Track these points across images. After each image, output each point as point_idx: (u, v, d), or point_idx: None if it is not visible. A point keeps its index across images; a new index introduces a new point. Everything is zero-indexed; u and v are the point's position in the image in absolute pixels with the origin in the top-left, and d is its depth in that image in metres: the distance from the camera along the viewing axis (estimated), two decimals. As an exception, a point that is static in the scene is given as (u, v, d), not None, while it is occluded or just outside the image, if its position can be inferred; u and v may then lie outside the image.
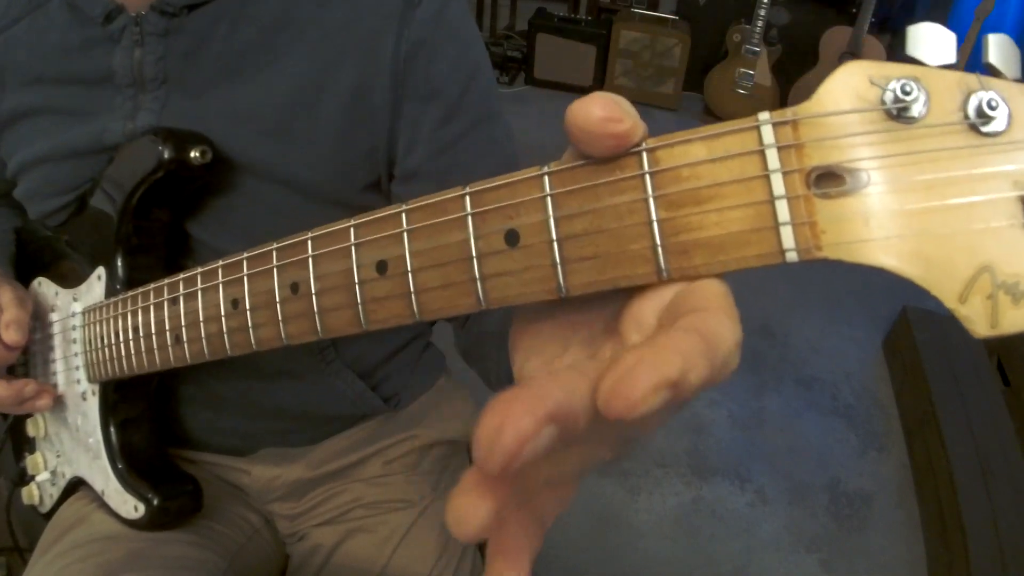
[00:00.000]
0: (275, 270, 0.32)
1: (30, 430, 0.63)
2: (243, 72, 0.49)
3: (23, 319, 0.52)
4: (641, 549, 1.33)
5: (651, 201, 0.21)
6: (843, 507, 1.43)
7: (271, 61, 0.49)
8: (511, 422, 0.16)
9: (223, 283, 0.35)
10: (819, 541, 1.37)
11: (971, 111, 0.19)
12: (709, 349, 0.18)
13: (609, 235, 0.22)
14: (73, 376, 0.55)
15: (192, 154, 0.46)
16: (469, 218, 0.24)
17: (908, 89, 0.19)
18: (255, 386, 0.59)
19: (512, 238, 0.24)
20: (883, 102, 0.20)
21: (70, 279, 0.56)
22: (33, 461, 0.63)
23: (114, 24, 0.49)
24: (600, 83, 2.88)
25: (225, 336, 0.36)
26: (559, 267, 0.23)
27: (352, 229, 0.28)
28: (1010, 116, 0.19)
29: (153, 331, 0.42)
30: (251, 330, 0.34)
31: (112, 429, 0.53)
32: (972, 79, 0.20)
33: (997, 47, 0.21)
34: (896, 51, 2.64)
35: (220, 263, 0.36)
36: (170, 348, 0.41)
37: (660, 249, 0.21)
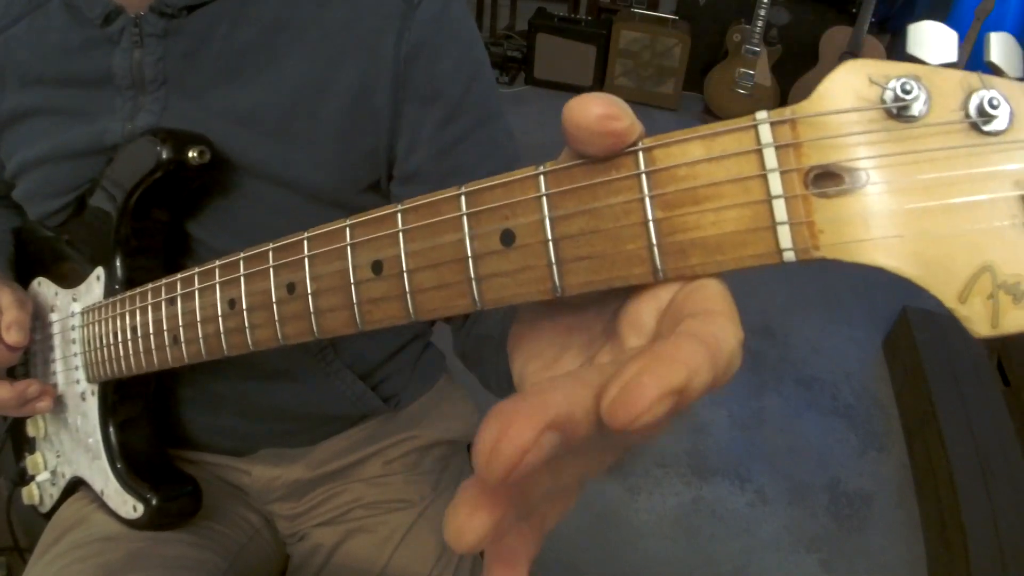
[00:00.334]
0: (271, 270, 0.32)
1: (30, 430, 0.63)
2: (243, 73, 0.49)
3: (24, 320, 0.52)
4: (641, 549, 1.33)
5: (647, 201, 0.21)
6: (843, 507, 1.43)
7: (271, 62, 0.49)
8: (512, 432, 0.16)
9: (220, 283, 0.35)
10: (819, 541, 1.36)
11: (972, 110, 0.19)
12: (712, 355, 0.18)
13: (605, 235, 0.22)
14: (72, 376, 0.55)
15: (190, 154, 0.46)
16: (464, 218, 0.24)
17: (908, 88, 0.19)
18: (255, 387, 0.59)
19: (508, 238, 0.23)
20: (883, 101, 0.19)
21: (70, 279, 0.56)
22: (33, 461, 0.63)
23: (113, 25, 0.49)
24: (600, 83, 2.88)
25: (222, 337, 0.36)
26: (555, 267, 0.23)
27: (348, 229, 0.28)
28: (1012, 115, 0.19)
29: (151, 331, 0.42)
30: (248, 331, 0.34)
31: (111, 429, 0.53)
32: (973, 77, 0.19)
33: (999, 45, 0.21)
34: (896, 51, 2.64)
35: (217, 263, 0.36)
36: (168, 348, 0.41)
37: (656, 249, 0.21)
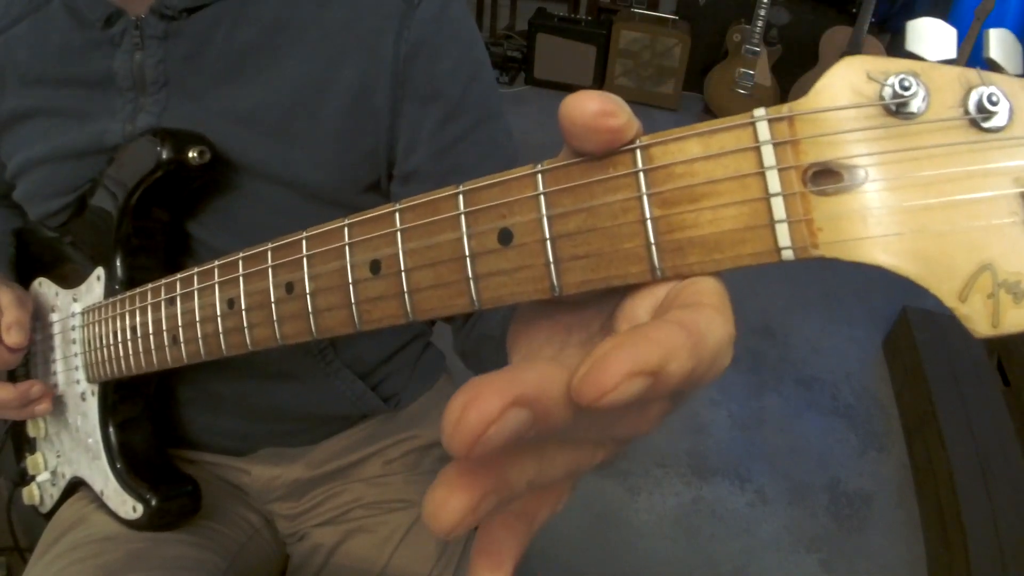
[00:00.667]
0: (270, 270, 0.32)
1: (30, 430, 0.63)
2: (243, 73, 0.49)
3: (24, 320, 0.52)
4: (641, 549, 1.33)
5: (645, 199, 0.21)
6: (843, 507, 1.43)
7: (271, 62, 0.49)
8: (478, 403, 0.16)
9: (219, 283, 0.35)
10: (819, 541, 1.36)
11: (972, 106, 0.19)
12: (694, 342, 0.17)
13: (602, 233, 0.22)
14: (73, 376, 0.55)
15: (190, 154, 0.46)
16: (462, 217, 0.24)
17: (907, 84, 0.19)
18: (255, 387, 0.59)
19: (505, 237, 0.23)
20: (881, 97, 0.19)
21: (70, 279, 0.56)
22: (33, 461, 0.63)
23: (115, 28, 0.49)
24: (600, 83, 2.88)
25: (221, 337, 0.36)
26: (552, 266, 0.23)
27: (346, 228, 0.28)
28: (1011, 111, 0.19)
29: (151, 331, 0.42)
30: (247, 330, 0.34)
31: (111, 429, 0.53)
32: (973, 74, 0.19)
33: (998, 42, 0.21)
34: (896, 51, 2.64)
35: (216, 263, 0.36)
36: (167, 348, 0.41)
37: (654, 247, 0.21)
